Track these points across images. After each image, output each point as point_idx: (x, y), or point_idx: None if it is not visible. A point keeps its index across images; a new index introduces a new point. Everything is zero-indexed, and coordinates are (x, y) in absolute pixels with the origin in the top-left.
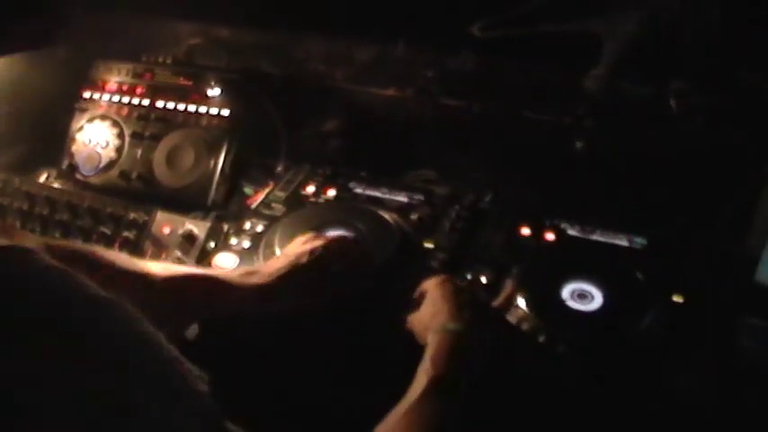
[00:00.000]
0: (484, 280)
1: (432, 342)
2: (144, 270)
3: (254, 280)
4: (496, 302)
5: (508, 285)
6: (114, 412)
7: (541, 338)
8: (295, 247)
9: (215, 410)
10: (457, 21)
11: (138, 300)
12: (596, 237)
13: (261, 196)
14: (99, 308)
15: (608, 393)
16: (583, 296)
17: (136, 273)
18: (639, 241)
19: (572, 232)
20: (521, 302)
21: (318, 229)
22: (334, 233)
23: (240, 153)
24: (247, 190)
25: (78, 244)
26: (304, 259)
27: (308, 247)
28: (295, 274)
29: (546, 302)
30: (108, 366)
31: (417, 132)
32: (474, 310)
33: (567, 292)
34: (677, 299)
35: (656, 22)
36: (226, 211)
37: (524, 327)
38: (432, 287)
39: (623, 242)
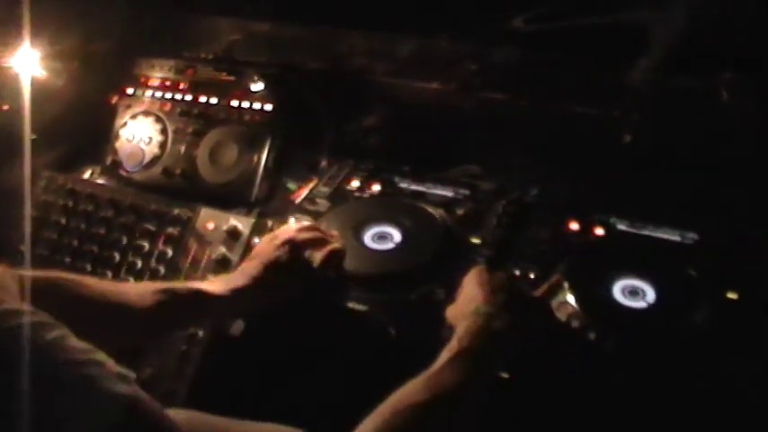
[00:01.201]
0: (532, 276)
1: (462, 324)
2: (122, 292)
3: (226, 286)
4: (539, 291)
5: (554, 276)
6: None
7: (592, 336)
8: (263, 247)
9: (135, 408)
10: (500, 13)
11: (119, 322)
12: (647, 232)
13: (304, 192)
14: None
15: (660, 391)
16: (634, 293)
17: (114, 297)
18: (691, 236)
19: (621, 227)
20: (570, 299)
21: (363, 224)
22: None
23: (283, 148)
24: (290, 185)
25: (55, 273)
26: (272, 257)
27: (274, 246)
28: (262, 275)
29: (596, 299)
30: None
31: (461, 127)
32: (508, 295)
33: (618, 288)
34: (731, 296)
35: (704, 11)
36: (268, 206)
37: (574, 324)
38: (468, 276)
39: (674, 237)
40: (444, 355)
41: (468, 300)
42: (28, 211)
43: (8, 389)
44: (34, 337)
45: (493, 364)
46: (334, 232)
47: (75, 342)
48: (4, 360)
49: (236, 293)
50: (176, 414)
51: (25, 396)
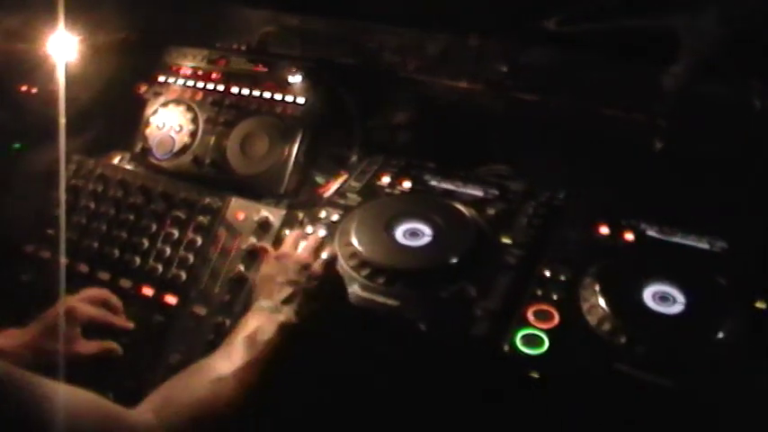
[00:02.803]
0: (563, 278)
1: (249, 316)
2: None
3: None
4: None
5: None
6: None
7: (622, 340)
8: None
9: None
10: (532, 14)
11: None
12: (676, 239)
13: (333, 186)
14: None
15: (688, 398)
16: (665, 299)
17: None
18: (720, 245)
19: (651, 233)
20: (601, 302)
21: (396, 220)
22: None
23: (314, 142)
24: (318, 179)
25: None
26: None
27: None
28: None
29: (627, 303)
30: None
31: (489, 126)
32: (289, 291)
33: (648, 293)
34: (760, 305)
35: (736, 18)
36: (297, 199)
37: (605, 327)
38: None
39: (704, 245)
40: (225, 342)
41: (258, 289)
42: (62, 195)
43: None
44: None
45: (272, 355)
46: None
47: None
48: None
49: None
50: None
51: None
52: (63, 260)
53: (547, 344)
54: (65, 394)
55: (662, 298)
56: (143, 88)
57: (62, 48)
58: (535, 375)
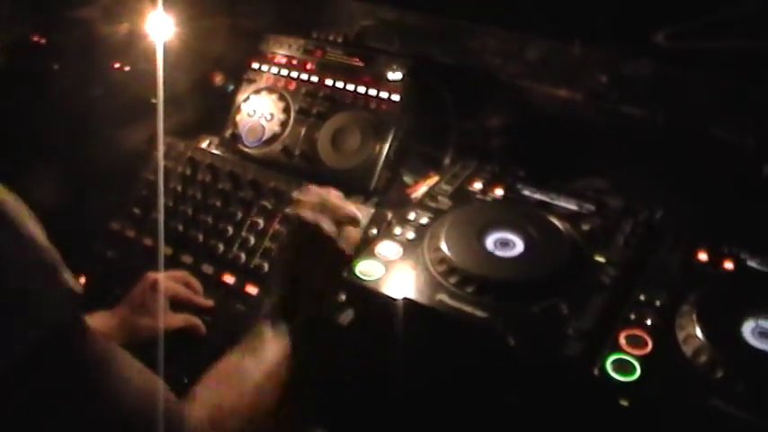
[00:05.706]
0: (658, 303)
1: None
2: None
3: None
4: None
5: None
6: None
7: (719, 374)
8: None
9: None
10: (640, 25)
11: None
12: None
13: (421, 187)
14: None
15: None
16: (765, 335)
17: None
18: None
19: (752, 264)
20: (698, 332)
21: (487, 228)
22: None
23: (406, 140)
24: (407, 179)
25: None
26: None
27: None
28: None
29: (726, 336)
30: None
31: (589, 137)
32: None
33: (748, 328)
34: None
35: None
36: (385, 198)
37: (701, 359)
38: None
39: None
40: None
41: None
42: (160, 177)
43: None
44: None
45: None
46: None
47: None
48: None
49: None
50: None
51: None
52: (161, 242)
53: (639, 371)
54: (136, 366)
55: (762, 334)
56: (218, 78)
57: (159, 28)
58: (625, 404)
